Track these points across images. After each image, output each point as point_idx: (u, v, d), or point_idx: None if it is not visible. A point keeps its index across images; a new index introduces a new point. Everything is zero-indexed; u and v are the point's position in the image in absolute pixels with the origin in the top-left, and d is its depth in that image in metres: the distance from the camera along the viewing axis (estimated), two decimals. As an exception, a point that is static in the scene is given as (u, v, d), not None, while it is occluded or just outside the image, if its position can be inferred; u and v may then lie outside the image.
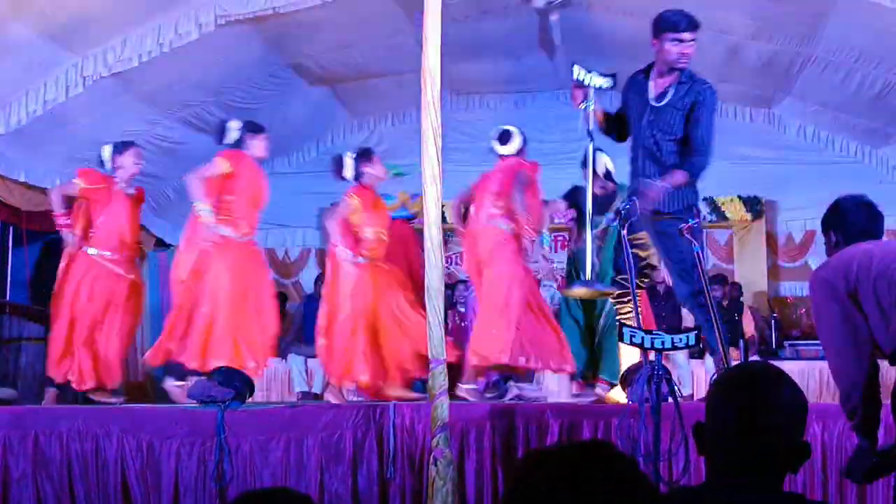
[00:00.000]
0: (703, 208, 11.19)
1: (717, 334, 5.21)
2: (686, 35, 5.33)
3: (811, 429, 4.84)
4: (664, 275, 9.84)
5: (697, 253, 5.17)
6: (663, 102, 5.43)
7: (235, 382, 5.59)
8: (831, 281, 3.45)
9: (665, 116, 5.42)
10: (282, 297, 11.74)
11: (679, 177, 5.29)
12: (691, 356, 9.07)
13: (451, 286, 9.88)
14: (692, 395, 8.70)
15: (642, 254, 5.72)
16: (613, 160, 6.90)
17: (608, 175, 7.07)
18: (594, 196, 5.86)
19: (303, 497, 1.80)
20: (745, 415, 2.03)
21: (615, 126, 5.76)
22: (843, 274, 3.43)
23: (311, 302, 10.37)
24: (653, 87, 5.53)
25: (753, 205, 11.36)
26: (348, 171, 7.21)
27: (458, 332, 9.78)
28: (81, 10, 7.31)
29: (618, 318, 5.72)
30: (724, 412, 2.07)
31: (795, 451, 2.06)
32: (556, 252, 12.09)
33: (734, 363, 5.42)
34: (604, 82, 5.42)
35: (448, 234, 10.94)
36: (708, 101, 5.35)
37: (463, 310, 10.06)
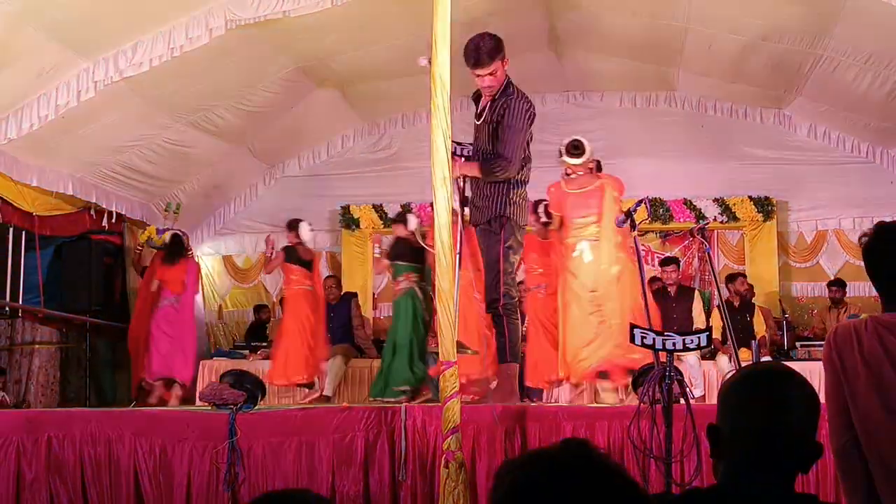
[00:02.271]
0: (714, 209, 11.19)
1: (506, 344, 5.65)
2: (478, 72, 5.61)
3: (823, 429, 4.82)
4: (675, 276, 9.87)
5: (500, 267, 5.55)
6: (479, 121, 5.79)
7: (247, 385, 5.60)
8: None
9: (480, 133, 5.78)
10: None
11: (469, 166, 5.67)
12: (703, 357, 9.05)
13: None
14: (704, 397, 8.67)
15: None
16: None
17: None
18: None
19: (323, 499, 1.80)
20: (765, 415, 2.04)
21: None
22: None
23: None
24: (477, 108, 5.90)
25: (764, 205, 11.33)
26: None
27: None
28: (92, 16, 7.34)
29: None
30: (742, 413, 2.07)
31: (810, 451, 2.06)
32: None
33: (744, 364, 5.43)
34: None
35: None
36: (510, 112, 5.59)
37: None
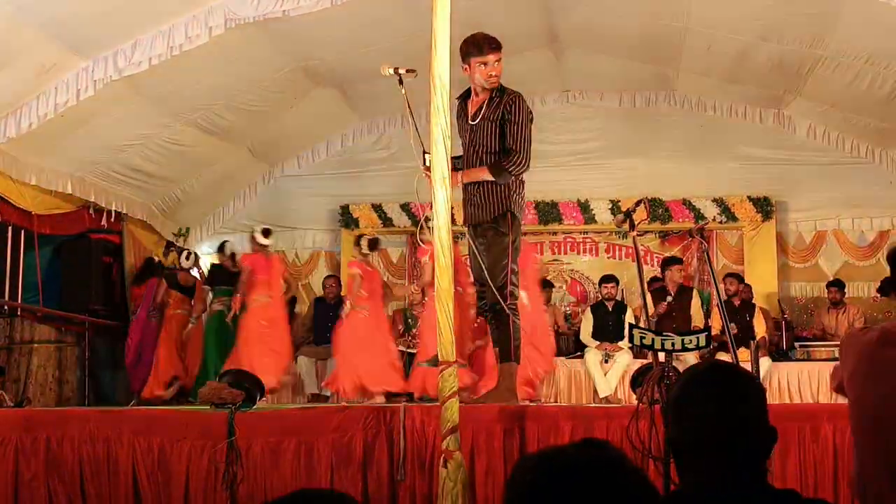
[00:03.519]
0: (713, 209, 11.19)
1: (510, 342, 5.66)
2: (490, 57, 5.59)
3: (823, 430, 4.84)
4: (679, 276, 9.87)
5: (508, 266, 5.56)
6: (477, 120, 5.69)
7: (246, 384, 5.60)
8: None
9: (480, 132, 5.69)
10: (291, 300, 11.78)
11: (476, 172, 5.62)
12: (702, 357, 9.03)
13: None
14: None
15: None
16: None
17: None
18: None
19: (347, 497, 1.77)
20: (725, 407, 2.08)
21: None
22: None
23: (321, 304, 10.39)
24: (469, 108, 5.81)
25: (763, 205, 11.34)
26: None
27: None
28: (91, 15, 7.33)
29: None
30: (701, 410, 2.10)
31: (768, 435, 2.12)
32: (566, 254, 12.12)
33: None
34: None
35: (458, 237, 11.00)
36: (516, 109, 5.58)
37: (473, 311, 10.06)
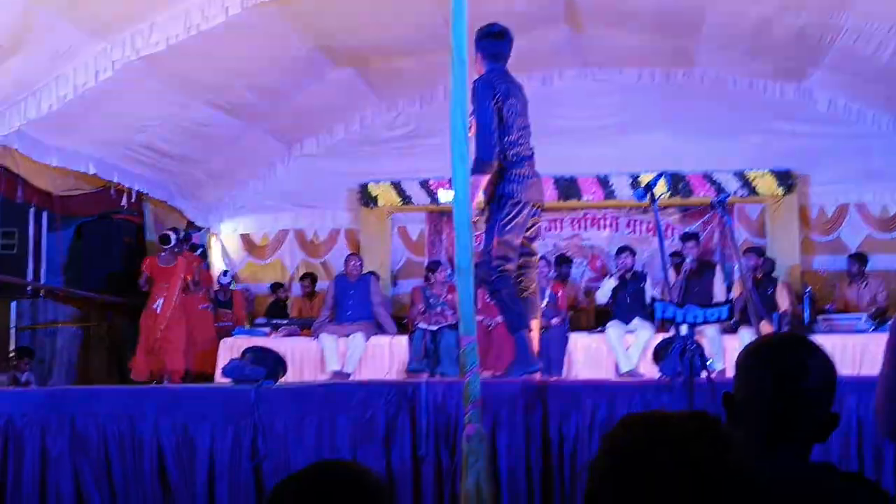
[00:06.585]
0: (735, 183, 11.14)
1: (511, 313, 5.80)
2: None
3: (847, 402, 4.81)
4: (695, 252, 9.82)
5: (490, 247, 5.74)
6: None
7: (268, 361, 5.63)
8: None
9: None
10: (312, 278, 11.81)
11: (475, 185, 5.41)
12: (723, 331, 9.02)
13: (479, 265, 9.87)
14: (725, 371, 8.65)
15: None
16: None
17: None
18: None
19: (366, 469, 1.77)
20: (786, 379, 2.02)
21: None
22: None
23: (342, 281, 10.41)
24: None
25: (785, 179, 11.26)
26: None
27: (487, 310, 9.79)
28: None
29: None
30: (762, 378, 2.05)
31: (827, 420, 2.06)
32: (586, 230, 12.12)
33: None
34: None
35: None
36: (473, 94, 5.50)
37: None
